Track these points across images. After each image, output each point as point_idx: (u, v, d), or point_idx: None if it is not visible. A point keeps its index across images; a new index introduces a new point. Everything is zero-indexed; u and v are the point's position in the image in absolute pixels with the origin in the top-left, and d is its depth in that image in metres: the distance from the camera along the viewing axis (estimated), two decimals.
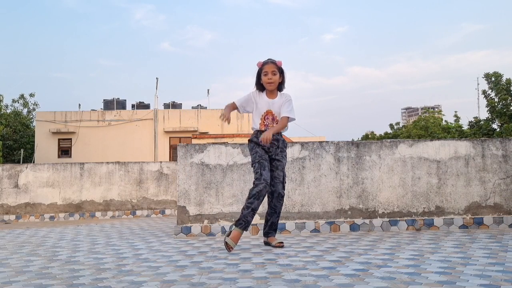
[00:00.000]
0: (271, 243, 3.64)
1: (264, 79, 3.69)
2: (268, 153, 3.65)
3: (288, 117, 3.67)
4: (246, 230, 3.51)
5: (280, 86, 3.76)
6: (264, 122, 3.73)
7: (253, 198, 3.46)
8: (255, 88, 3.77)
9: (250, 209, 3.44)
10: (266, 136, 3.47)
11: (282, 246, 3.57)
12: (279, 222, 4.47)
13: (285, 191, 3.73)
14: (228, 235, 3.45)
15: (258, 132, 3.70)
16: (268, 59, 3.73)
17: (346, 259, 3.02)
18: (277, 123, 3.68)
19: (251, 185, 4.26)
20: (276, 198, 3.64)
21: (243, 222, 3.44)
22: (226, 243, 3.40)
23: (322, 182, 4.56)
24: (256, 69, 3.77)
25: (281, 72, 3.74)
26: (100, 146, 23.34)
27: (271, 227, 3.72)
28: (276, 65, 3.70)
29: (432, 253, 3.16)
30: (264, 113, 3.72)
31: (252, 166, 3.65)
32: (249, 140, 3.76)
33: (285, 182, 3.72)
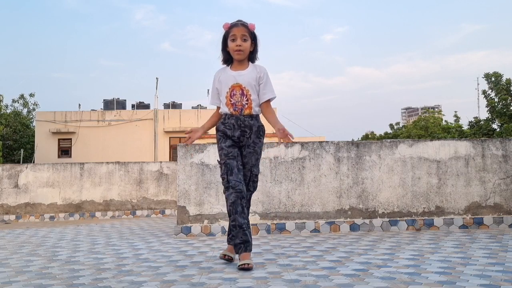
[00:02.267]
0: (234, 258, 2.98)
1: (231, 45, 2.93)
2: (238, 143, 2.98)
3: (269, 99, 3.01)
4: (251, 250, 2.89)
5: (252, 57, 3.02)
6: (230, 101, 2.95)
7: (232, 214, 2.85)
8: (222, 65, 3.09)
9: (237, 227, 2.83)
10: (285, 131, 2.82)
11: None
12: (278, 222, 4.47)
13: (253, 191, 3.04)
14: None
15: (226, 117, 2.98)
16: (238, 21, 2.97)
17: (346, 259, 3.02)
18: (248, 100, 2.95)
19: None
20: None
21: (242, 246, 2.83)
22: (240, 265, 2.77)
23: (322, 182, 4.56)
24: (223, 32, 2.99)
25: (254, 38, 2.98)
26: (100, 146, 23.34)
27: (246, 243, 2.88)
28: (248, 28, 2.94)
29: (432, 253, 3.16)
30: (229, 89, 2.96)
31: (220, 167, 2.97)
32: (216, 129, 3.05)
33: (256, 181, 3.02)
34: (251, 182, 3.00)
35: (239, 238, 2.83)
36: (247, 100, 2.95)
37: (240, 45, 2.92)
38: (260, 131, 3.00)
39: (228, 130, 2.96)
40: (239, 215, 2.84)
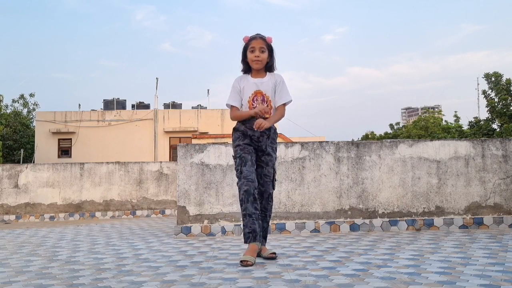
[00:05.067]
0: (262, 254, 3.11)
1: (250, 56, 3.16)
2: (256, 143, 3.13)
3: (285, 103, 3.21)
4: (259, 241, 3.01)
5: (269, 67, 3.24)
6: (252, 105, 3.15)
7: (244, 203, 2.99)
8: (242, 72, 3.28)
9: (247, 216, 2.97)
10: (262, 123, 2.99)
11: (275, 258, 3.08)
12: (278, 222, 4.48)
13: (275, 189, 3.26)
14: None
15: (247, 119, 3.15)
16: (257, 34, 3.20)
17: (346, 259, 3.02)
18: (269, 105, 3.15)
19: None
20: (266, 200, 3.16)
21: (250, 235, 2.95)
22: (242, 261, 2.88)
23: (322, 182, 4.56)
24: (243, 44, 3.23)
25: (271, 50, 3.21)
26: (100, 146, 23.34)
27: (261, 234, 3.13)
28: (266, 41, 3.17)
29: (432, 253, 3.16)
30: (252, 94, 3.16)
31: (235, 161, 3.13)
32: (234, 129, 3.20)
33: (276, 180, 3.24)
34: (273, 179, 3.20)
35: (248, 227, 2.97)
36: (267, 106, 3.17)
37: (258, 56, 3.15)
38: (276, 133, 3.25)
39: (249, 130, 3.13)
40: (250, 204, 2.98)
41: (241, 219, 3.05)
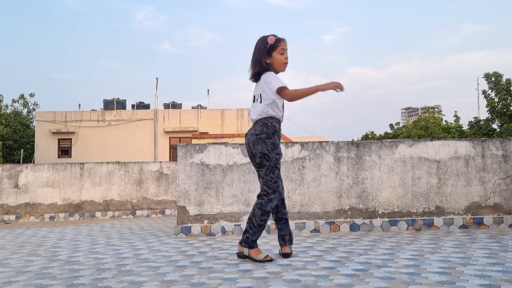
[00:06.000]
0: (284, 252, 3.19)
1: (280, 58, 3.02)
2: None
3: None
4: None
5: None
6: (283, 111, 3.13)
7: (267, 216, 3.02)
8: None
9: (262, 226, 3.03)
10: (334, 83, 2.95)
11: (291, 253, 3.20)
12: None
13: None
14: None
15: (280, 122, 3.08)
16: (277, 36, 3.08)
17: (346, 259, 3.02)
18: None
19: (251, 186, 4.19)
20: (283, 203, 3.18)
21: (255, 243, 3.05)
22: (263, 259, 3.01)
23: (322, 182, 4.56)
24: (264, 45, 3.05)
25: None
26: (100, 146, 23.34)
27: (291, 236, 3.20)
28: None
29: (432, 253, 3.16)
30: (282, 100, 3.11)
31: (270, 170, 3.00)
32: (273, 130, 3.00)
33: None
34: None
35: (256, 235, 3.04)
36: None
37: (287, 58, 3.07)
38: None
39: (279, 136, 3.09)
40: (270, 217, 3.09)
41: (256, 225, 3.03)
